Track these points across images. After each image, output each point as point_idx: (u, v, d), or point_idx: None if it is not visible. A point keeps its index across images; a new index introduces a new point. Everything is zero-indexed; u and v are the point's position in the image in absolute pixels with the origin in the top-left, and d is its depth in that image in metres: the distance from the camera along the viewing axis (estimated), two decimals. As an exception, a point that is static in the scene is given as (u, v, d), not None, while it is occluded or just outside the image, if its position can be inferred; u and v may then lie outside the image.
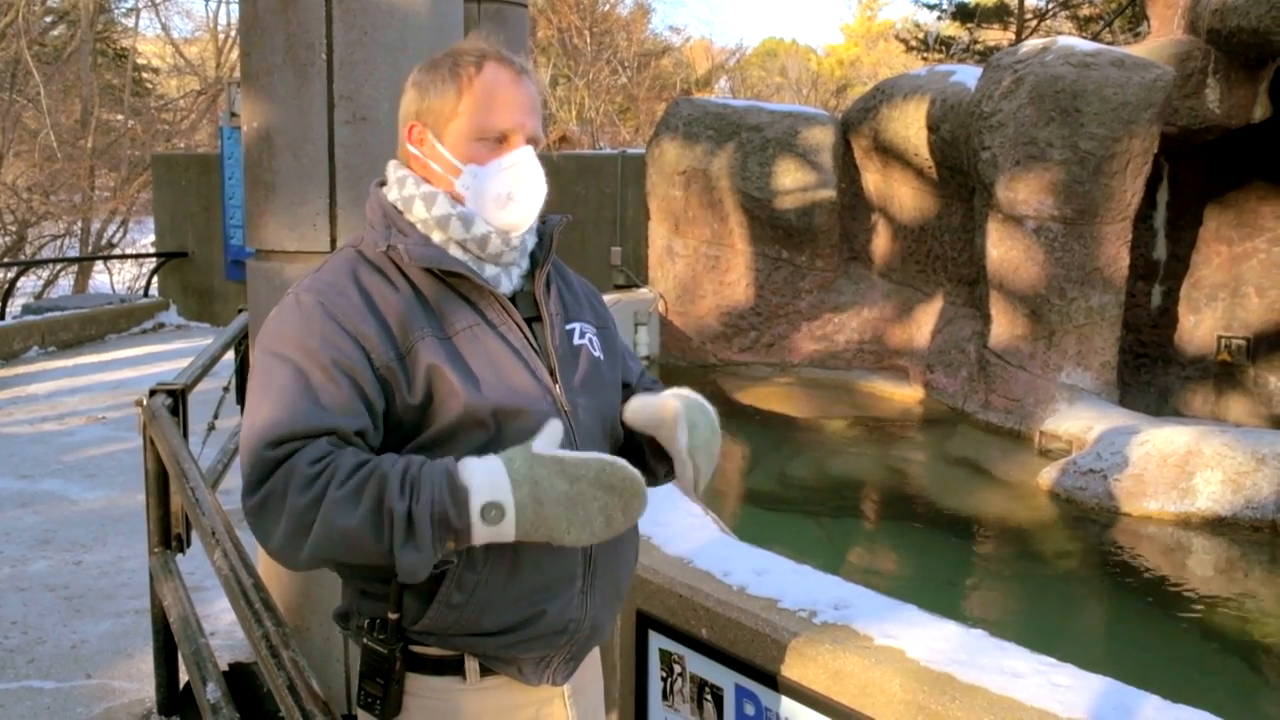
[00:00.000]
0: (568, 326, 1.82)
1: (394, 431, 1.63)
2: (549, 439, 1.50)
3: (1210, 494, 5.87)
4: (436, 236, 1.71)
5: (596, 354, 1.84)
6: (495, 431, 1.64)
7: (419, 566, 1.45)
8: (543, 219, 1.86)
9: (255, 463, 1.51)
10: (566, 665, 1.77)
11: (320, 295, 1.62)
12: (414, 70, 1.77)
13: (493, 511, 1.44)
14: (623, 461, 1.49)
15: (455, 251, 1.71)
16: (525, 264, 1.81)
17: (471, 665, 1.70)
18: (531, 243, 1.82)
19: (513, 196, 1.70)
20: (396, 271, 1.68)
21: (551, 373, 1.73)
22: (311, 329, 1.59)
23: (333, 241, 3.21)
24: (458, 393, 1.60)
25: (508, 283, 1.75)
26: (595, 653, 1.93)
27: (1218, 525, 5.83)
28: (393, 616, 1.65)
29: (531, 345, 1.72)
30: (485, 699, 1.72)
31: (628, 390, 1.95)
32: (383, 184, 1.80)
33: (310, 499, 1.45)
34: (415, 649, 1.68)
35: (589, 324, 1.88)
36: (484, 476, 1.45)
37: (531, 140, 1.72)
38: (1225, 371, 8.63)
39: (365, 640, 1.68)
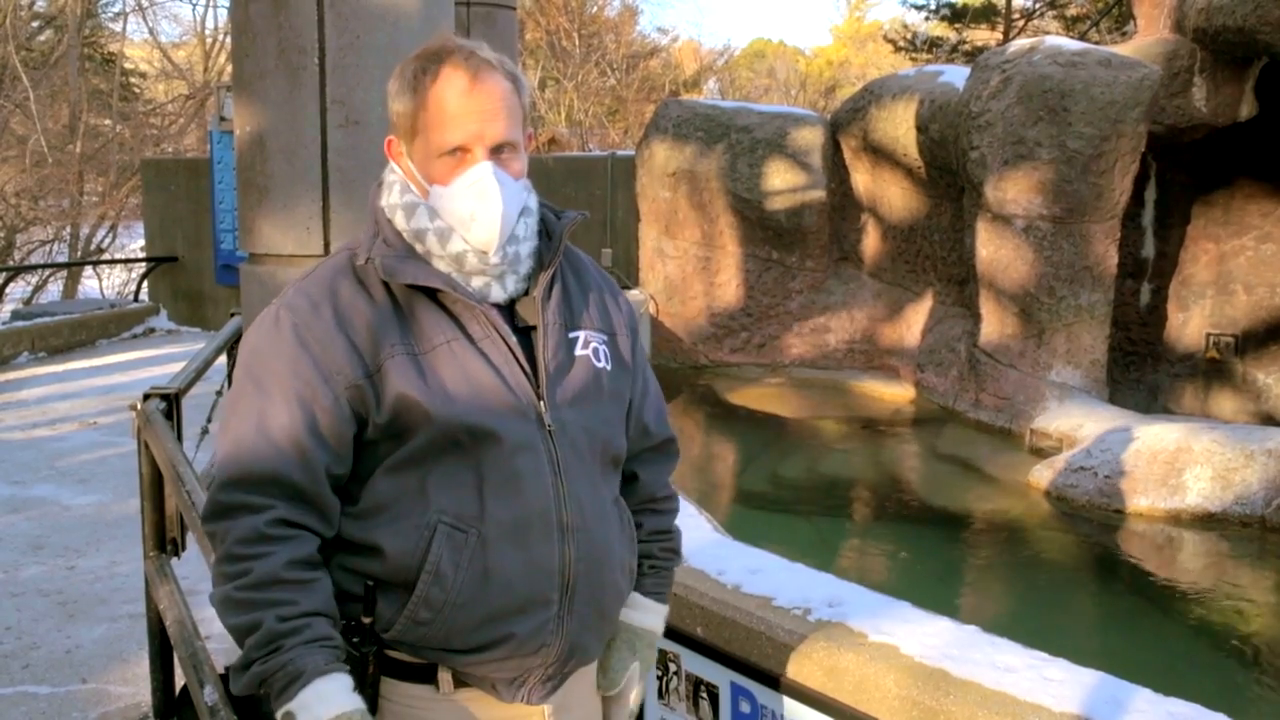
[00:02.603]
0: (570, 335, 1.73)
1: (369, 449, 1.63)
2: None
3: (1200, 490, 5.90)
4: (420, 247, 1.66)
5: (600, 364, 1.75)
6: (474, 452, 1.61)
7: (234, 688, 1.56)
8: (557, 214, 1.79)
9: (209, 499, 1.60)
10: (543, 686, 1.70)
11: (296, 315, 1.62)
12: (393, 74, 1.71)
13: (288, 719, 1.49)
14: None
15: (438, 263, 1.66)
16: (526, 266, 1.72)
17: (445, 676, 1.67)
18: (528, 249, 1.72)
19: (475, 217, 1.63)
20: (378, 282, 1.64)
21: (539, 388, 1.65)
22: (281, 352, 1.61)
23: (326, 244, 3.22)
24: (427, 411, 1.57)
25: (500, 291, 1.69)
26: (591, 668, 1.87)
27: (1207, 521, 5.86)
28: (366, 620, 1.63)
29: (518, 359, 1.64)
30: (459, 710, 1.69)
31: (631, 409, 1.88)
32: (382, 185, 1.75)
33: (222, 574, 1.56)
34: (391, 654, 1.66)
35: (596, 330, 1.78)
36: (314, 701, 1.49)
37: (501, 146, 1.65)
38: (1214, 368, 8.67)
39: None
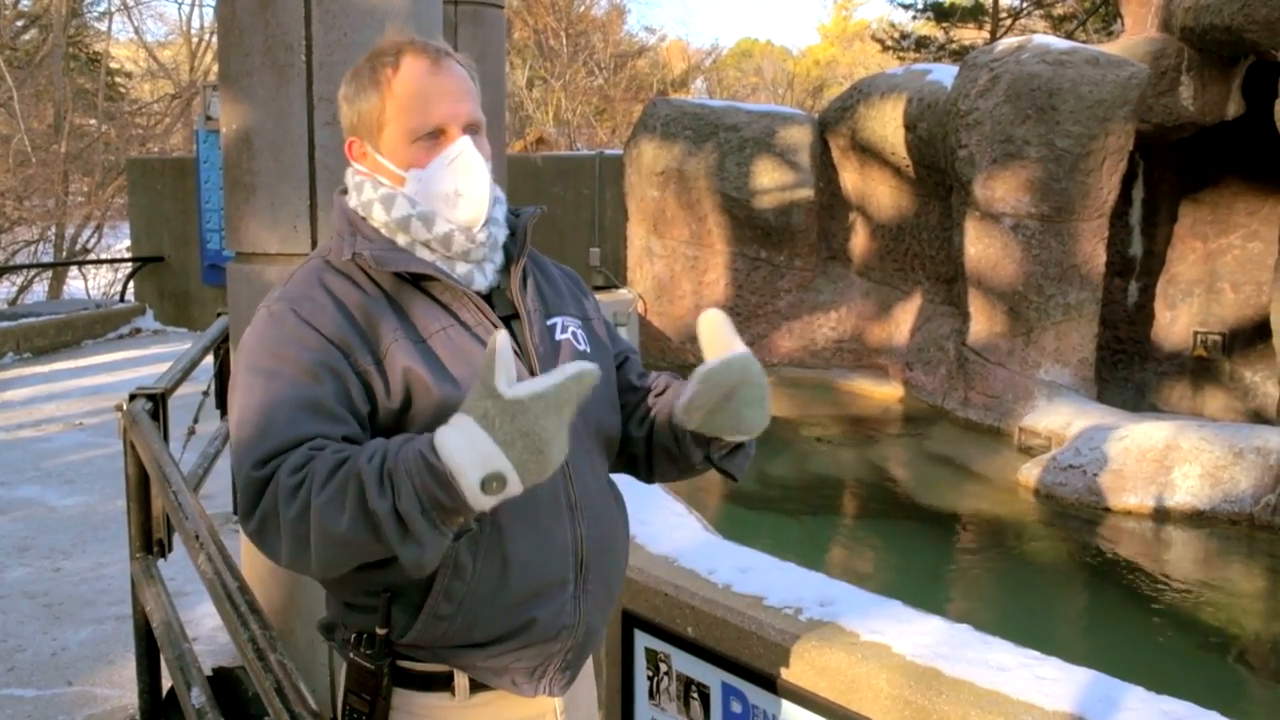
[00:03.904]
0: (549, 322, 1.76)
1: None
2: (506, 368, 1.34)
3: (1188, 488, 5.91)
4: (401, 239, 1.66)
5: (581, 347, 1.78)
6: None
7: (424, 560, 1.37)
8: (515, 212, 1.82)
9: (245, 486, 1.47)
10: (562, 674, 1.71)
11: (292, 303, 1.59)
12: (342, 83, 1.72)
13: (494, 483, 1.32)
14: (579, 365, 1.34)
15: (422, 253, 1.66)
16: (499, 259, 1.75)
17: (461, 681, 1.65)
18: (503, 236, 1.76)
19: (460, 192, 1.64)
20: (365, 278, 1.64)
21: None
22: (287, 335, 1.56)
23: (313, 242, 3.20)
24: (434, 394, 1.56)
25: (482, 280, 1.70)
26: (589, 665, 1.88)
27: (1196, 519, 5.87)
28: (380, 631, 1.59)
29: (511, 345, 1.67)
30: (474, 715, 1.68)
31: (622, 364, 1.92)
32: (345, 191, 1.76)
33: (298, 510, 1.40)
34: (403, 664, 1.63)
35: (571, 317, 1.82)
36: (468, 451, 1.31)
37: (470, 126, 1.66)
38: (1201, 367, 8.69)
39: (351, 655, 1.62)
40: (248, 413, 1.52)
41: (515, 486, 1.34)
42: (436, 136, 1.64)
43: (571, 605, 1.67)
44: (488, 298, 1.71)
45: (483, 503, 1.34)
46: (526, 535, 1.62)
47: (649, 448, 1.88)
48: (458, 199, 1.65)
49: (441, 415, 1.53)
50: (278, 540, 1.45)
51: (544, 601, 1.63)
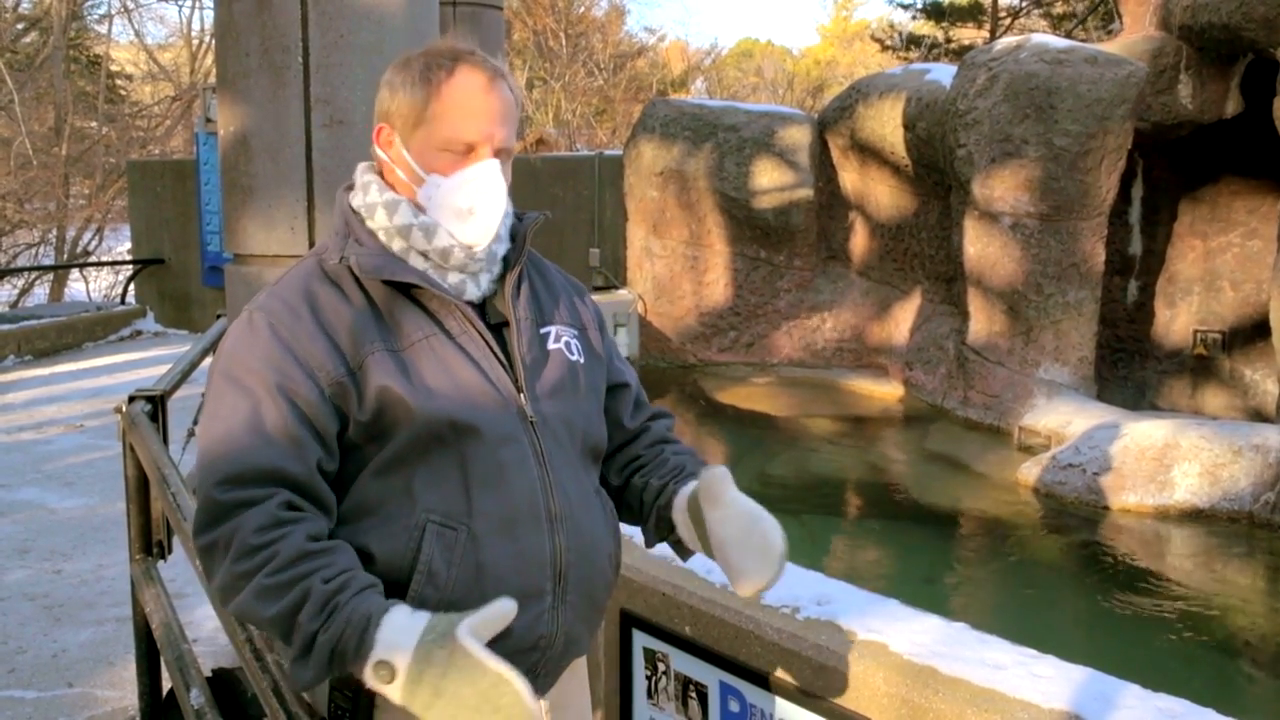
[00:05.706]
0: (542, 330, 1.77)
1: (352, 452, 1.61)
2: (487, 621, 1.43)
3: (1188, 486, 5.91)
4: (397, 245, 1.67)
5: (573, 357, 1.79)
6: (457, 448, 1.61)
7: (304, 683, 1.47)
8: (518, 215, 1.82)
9: (204, 503, 1.53)
10: (540, 681, 1.71)
11: (271, 316, 1.61)
12: (389, 68, 1.72)
13: (384, 670, 1.41)
14: (521, 691, 1.38)
15: (416, 260, 1.67)
16: (497, 268, 1.76)
17: None
18: (503, 249, 1.77)
19: (474, 211, 1.65)
20: (352, 282, 1.65)
21: (518, 382, 1.68)
22: (260, 352, 1.59)
23: (310, 244, 3.21)
24: (410, 407, 1.57)
25: (475, 289, 1.71)
26: (581, 663, 1.89)
27: (1196, 517, 5.87)
28: None
29: (495, 354, 1.67)
30: None
31: (615, 393, 1.92)
32: (351, 188, 1.77)
33: (243, 571, 1.48)
34: None
35: (566, 326, 1.82)
36: (396, 634, 1.41)
37: (500, 151, 1.68)
38: (1201, 365, 8.69)
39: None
40: (217, 421, 1.57)
41: (394, 690, 1.41)
42: (467, 151, 1.65)
43: (549, 616, 1.67)
44: (481, 306, 1.72)
45: (368, 678, 1.43)
46: (501, 546, 1.62)
47: (616, 497, 1.92)
48: (470, 216, 1.65)
49: (415, 426, 1.58)
50: (216, 572, 1.52)
51: (519, 612, 1.60)
